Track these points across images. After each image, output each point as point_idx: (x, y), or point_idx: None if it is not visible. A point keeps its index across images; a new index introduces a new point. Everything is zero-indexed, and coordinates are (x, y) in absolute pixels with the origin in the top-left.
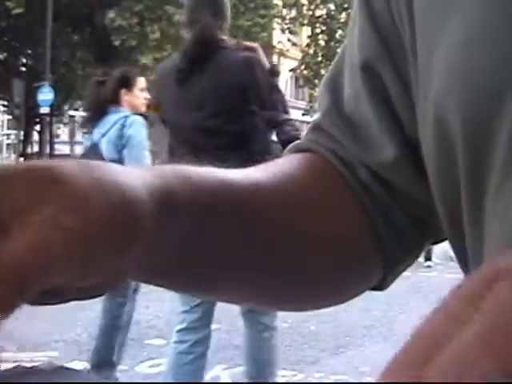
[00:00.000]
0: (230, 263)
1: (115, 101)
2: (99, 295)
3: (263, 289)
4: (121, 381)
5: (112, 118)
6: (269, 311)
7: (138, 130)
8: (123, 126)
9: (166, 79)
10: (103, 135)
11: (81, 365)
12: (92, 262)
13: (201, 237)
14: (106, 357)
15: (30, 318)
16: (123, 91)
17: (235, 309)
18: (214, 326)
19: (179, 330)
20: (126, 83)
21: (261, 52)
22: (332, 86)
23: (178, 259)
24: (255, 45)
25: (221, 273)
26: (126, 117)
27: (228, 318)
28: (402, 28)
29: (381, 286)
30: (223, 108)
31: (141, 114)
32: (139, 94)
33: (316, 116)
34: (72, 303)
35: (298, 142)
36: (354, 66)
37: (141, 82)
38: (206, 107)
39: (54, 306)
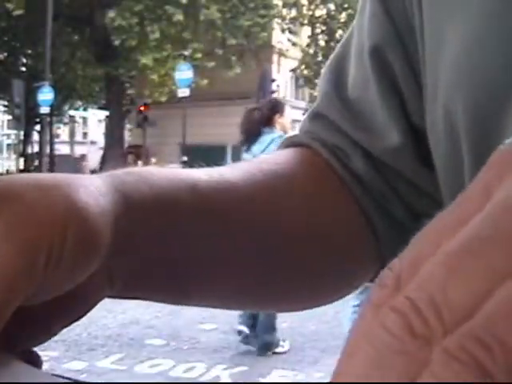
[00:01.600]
0: (201, 267)
1: (269, 123)
2: (79, 318)
3: (249, 290)
4: (120, 381)
5: (268, 138)
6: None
7: None
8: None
9: None
10: (262, 151)
11: (81, 364)
12: (53, 274)
13: (167, 241)
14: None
15: None
16: (277, 116)
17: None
18: (211, 327)
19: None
20: (279, 109)
21: None
22: (336, 68)
23: (146, 269)
24: None
25: (192, 280)
26: (281, 136)
27: (225, 318)
28: (412, 13)
29: None
30: None
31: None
32: (287, 118)
33: (316, 101)
34: None
35: (293, 135)
36: (363, 50)
37: (287, 108)
38: None
39: None
